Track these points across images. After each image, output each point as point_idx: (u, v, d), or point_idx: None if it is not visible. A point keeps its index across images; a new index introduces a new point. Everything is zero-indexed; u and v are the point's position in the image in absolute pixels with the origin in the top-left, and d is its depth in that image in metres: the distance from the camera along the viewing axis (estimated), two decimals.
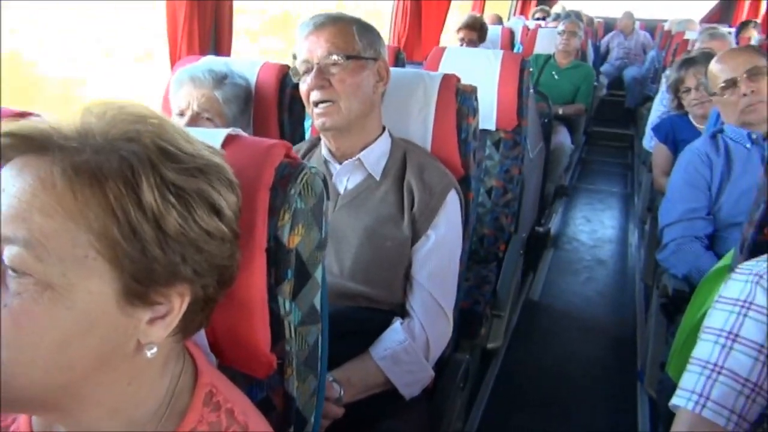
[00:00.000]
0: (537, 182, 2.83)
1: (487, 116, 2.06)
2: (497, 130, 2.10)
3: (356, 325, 1.26)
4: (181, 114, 1.43)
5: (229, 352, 0.73)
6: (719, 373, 1.03)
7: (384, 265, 1.27)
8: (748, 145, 1.78)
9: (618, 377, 2.35)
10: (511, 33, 4.39)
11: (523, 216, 2.31)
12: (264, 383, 0.76)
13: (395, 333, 1.24)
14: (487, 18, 4.46)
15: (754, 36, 4.78)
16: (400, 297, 1.29)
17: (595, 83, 4.84)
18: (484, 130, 2.10)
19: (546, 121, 3.10)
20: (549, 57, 4.15)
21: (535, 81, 4.00)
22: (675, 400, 1.06)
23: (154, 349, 0.57)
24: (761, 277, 1.04)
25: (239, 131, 0.76)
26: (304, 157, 1.39)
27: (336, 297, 1.27)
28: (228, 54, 1.97)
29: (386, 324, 1.26)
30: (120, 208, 0.51)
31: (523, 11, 6.97)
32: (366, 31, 1.28)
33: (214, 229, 0.57)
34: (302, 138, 1.62)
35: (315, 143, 1.41)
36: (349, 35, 1.24)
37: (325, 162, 1.35)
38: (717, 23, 6.01)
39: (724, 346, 1.04)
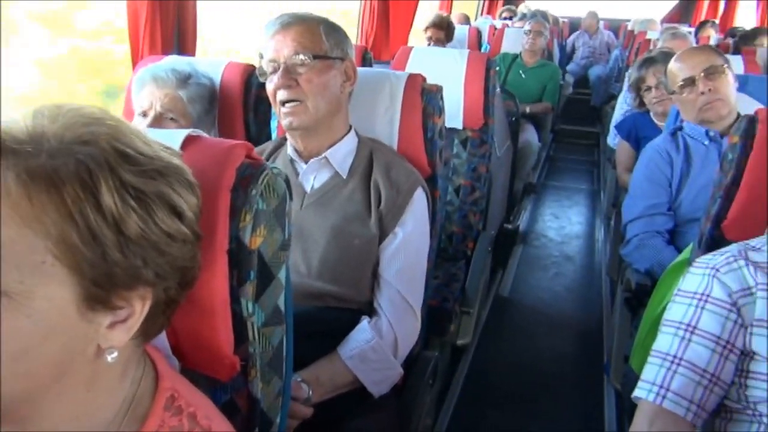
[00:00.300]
0: (505, 180, 2.87)
1: (454, 115, 2.08)
2: (464, 128, 2.12)
3: (324, 324, 1.26)
4: (144, 114, 1.41)
5: (192, 355, 0.72)
6: (678, 364, 1.05)
7: (351, 264, 1.27)
8: (706, 142, 1.83)
9: (586, 371, 2.39)
10: (478, 32, 4.43)
11: (491, 213, 2.34)
12: (228, 386, 0.76)
13: (363, 332, 1.24)
14: (454, 17, 4.49)
15: (713, 35, 4.92)
16: (368, 295, 1.30)
17: (562, 82, 4.92)
18: (452, 129, 2.12)
19: (513, 119, 3.14)
20: (516, 56, 4.20)
21: (502, 80, 4.05)
22: (637, 392, 1.09)
23: (115, 354, 0.57)
24: (718, 270, 1.08)
25: (199, 132, 0.75)
26: (270, 156, 1.38)
27: (303, 297, 1.27)
28: (192, 54, 1.95)
29: (354, 323, 1.26)
30: (79, 213, 0.51)
31: (490, 11, 7.05)
32: (333, 30, 1.28)
33: (175, 231, 0.57)
34: (268, 138, 1.61)
35: (281, 143, 1.40)
36: (316, 35, 1.24)
37: (291, 161, 1.34)
38: (677, 23, 6.17)
39: (683, 338, 1.07)
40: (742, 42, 3.99)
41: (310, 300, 1.27)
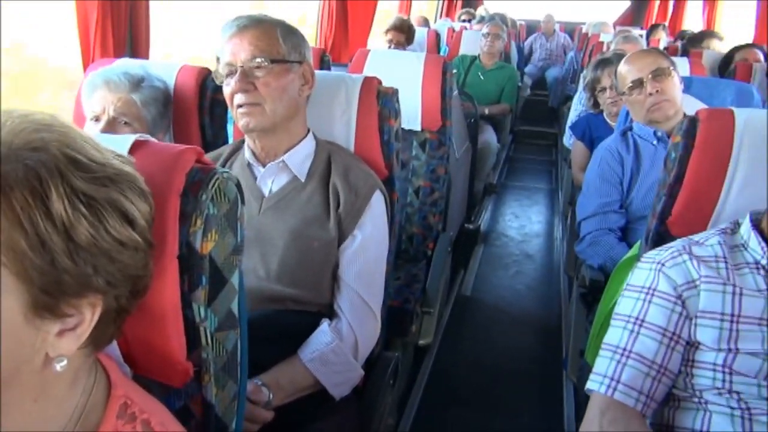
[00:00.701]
0: (464, 181, 2.90)
1: (413, 117, 2.10)
2: (423, 130, 2.14)
3: (284, 327, 1.26)
4: (96, 119, 1.38)
5: (144, 362, 0.72)
6: (628, 357, 1.09)
7: (311, 267, 1.27)
8: (655, 142, 1.89)
9: (546, 366, 2.45)
10: (437, 35, 4.48)
11: (451, 214, 2.37)
12: (181, 391, 0.75)
13: (323, 334, 1.24)
14: (413, 20, 4.53)
15: (663, 38, 5.09)
16: (328, 298, 1.30)
17: (520, 84, 5.01)
18: (410, 131, 2.14)
19: (472, 121, 3.18)
20: (474, 58, 4.26)
21: (461, 82, 4.10)
22: (589, 385, 1.12)
23: (64, 362, 0.56)
24: (663, 264, 1.12)
25: (147, 137, 0.74)
26: (227, 160, 1.37)
27: (263, 300, 1.26)
28: (146, 56, 1.92)
29: (315, 326, 1.26)
30: (28, 220, 0.50)
31: (449, 13, 7.13)
32: (290, 34, 1.28)
33: (127, 239, 0.57)
34: (225, 141, 1.60)
35: (238, 146, 1.39)
36: (273, 38, 1.24)
37: (249, 165, 1.33)
38: (630, 26, 6.36)
39: (632, 331, 1.11)
40: (690, 44, 4.14)
41: (270, 303, 1.27)
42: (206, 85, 1.54)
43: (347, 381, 1.26)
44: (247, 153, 1.33)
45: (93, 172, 0.54)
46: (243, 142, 1.36)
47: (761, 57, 3.07)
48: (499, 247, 3.72)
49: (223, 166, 1.35)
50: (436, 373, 2.35)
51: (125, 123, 1.38)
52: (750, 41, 3.61)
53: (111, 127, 1.36)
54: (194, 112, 1.55)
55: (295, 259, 1.26)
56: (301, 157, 1.31)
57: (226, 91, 1.23)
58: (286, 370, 1.20)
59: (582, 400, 1.16)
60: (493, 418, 2.13)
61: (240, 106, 1.21)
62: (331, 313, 1.29)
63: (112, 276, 0.56)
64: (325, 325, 1.25)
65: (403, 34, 3.65)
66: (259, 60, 1.20)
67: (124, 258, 0.56)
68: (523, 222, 4.16)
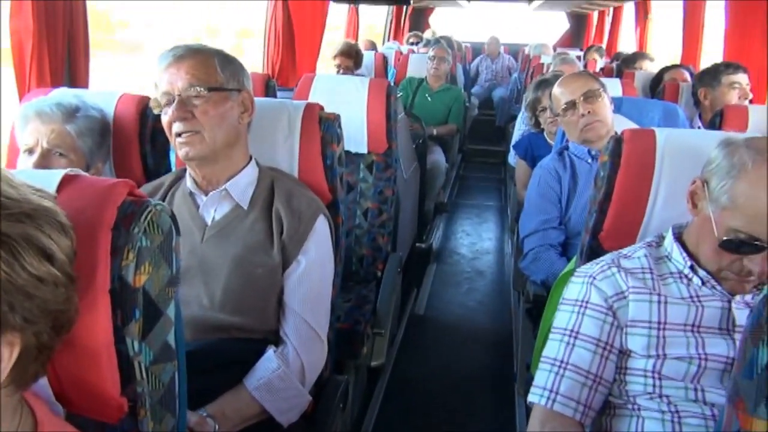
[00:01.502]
0: (413, 201, 2.95)
1: (359, 140, 2.14)
2: (369, 153, 2.17)
3: (229, 356, 1.25)
4: (30, 152, 1.35)
5: (77, 400, 0.71)
6: (565, 368, 1.14)
7: (255, 294, 1.27)
8: (589, 161, 1.98)
9: (498, 381, 2.49)
10: (384, 58, 4.55)
11: (400, 235, 2.40)
12: (117, 427, 0.74)
13: (269, 361, 1.24)
14: (360, 44, 4.60)
15: (599, 59, 5.32)
16: (274, 324, 1.30)
17: (468, 104, 5.14)
18: (357, 154, 2.17)
19: (421, 141, 3.25)
20: (422, 80, 4.36)
21: (409, 103, 4.18)
22: (530, 397, 1.16)
23: None
24: (594, 278, 1.18)
25: (78, 171, 0.74)
26: (168, 189, 1.37)
27: (207, 330, 1.25)
28: (85, 85, 1.89)
29: (260, 353, 1.26)
30: None
31: (396, 37, 7.27)
32: (228, 63, 1.29)
33: (45, 275, 0.56)
34: (167, 170, 1.58)
35: (180, 175, 1.39)
36: (211, 67, 1.25)
37: (191, 194, 1.33)
38: (569, 47, 6.63)
39: (568, 343, 1.15)
40: (624, 65, 4.34)
41: (214, 332, 1.26)
42: (147, 113, 1.53)
43: (295, 407, 1.26)
44: (188, 182, 1.33)
45: (7, 209, 0.55)
46: (185, 170, 1.36)
47: (688, 77, 3.25)
48: (451, 264, 3.77)
49: (165, 196, 1.35)
50: (390, 394, 2.35)
51: (60, 155, 1.35)
52: (678, 61, 3.82)
53: (45, 159, 1.34)
54: (135, 141, 1.54)
55: (239, 286, 1.26)
56: (243, 185, 1.32)
57: (164, 119, 1.23)
58: (232, 399, 1.19)
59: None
60: None
61: (179, 134, 1.21)
62: (277, 340, 1.29)
63: (29, 312, 0.55)
64: (270, 351, 1.25)
65: (350, 59, 3.70)
66: (197, 89, 1.21)
67: (43, 294, 0.56)
68: (474, 239, 4.24)
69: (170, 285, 0.75)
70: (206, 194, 1.31)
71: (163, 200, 1.34)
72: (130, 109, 1.53)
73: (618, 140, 1.32)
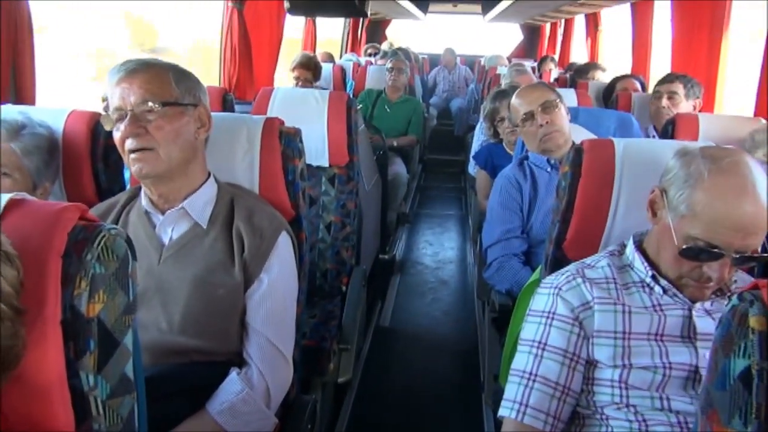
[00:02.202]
0: (376, 213, 2.94)
1: (320, 154, 2.11)
2: (331, 166, 2.15)
3: (191, 381, 1.20)
4: None
5: None
6: (534, 380, 1.13)
7: (217, 315, 1.23)
8: (549, 170, 2.01)
9: (465, 391, 2.48)
10: (343, 70, 4.55)
11: (364, 247, 2.38)
12: None
13: (232, 384, 1.20)
14: (318, 56, 4.58)
15: (553, 69, 5.45)
16: (237, 346, 1.26)
17: (426, 115, 5.18)
18: (318, 167, 2.15)
19: (381, 153, 3.25)
20: (380, 92, 4.36)
21: (368, 115, 4.18)
22: (501, 411, 1.15)
23: None
24: (560, 289, 1.18)
25: (24, 195, 0.70)
26: (123, 209, 1.31)
27: (166, 354, 1.20)
28: (32, 102, 1.81)
29: (224, 376, 1.21)
30: None
31: (354, 48, 7.28)
32: (183, 77, 1.25)
33: None
34: (122, 189, 1.53)
35: (135, 194, 1.34)
36: (165, 82, 1.20)
37: (147, 213, 1.28)
38: (523, 58, 6.77)
39: (536, 355, 1.15)
40: (577, 75, 4.46)
41: (174, 357, 1.21)
42: (98, 130, 1.47)
43: (260, 430, 1.22)
44: (144, 200, 1.28)
45: None
46: (140, 188, 1.31)
47: (638, 86, 3.36)
48: (414, 275, 3.77)
49: (119, 215, 1.29)
50: (358, 409, 2.32)
51: (5, 174, 1.28)
52: (628, 71, 3.94)
53: None
54: (86, 158, 1.48)
55: (200, 308, 1.21)
56: (201, 203, 1.27)
57: (116, 136, 1.18)
58: (194, 425, 1.15)
59: (500, 422, 1.19)
60: None
61: (132, 151, 1.16)
62: (240, 362, 1.25)
63: None
64: (233, 374, 1.21)
65: (309, 71, 3.68)
66: (150, 103, 1.16)
67: None
68: (436, 249, 4.25)
69: (127, 313, 0.71)
70: (163, 213, 1.27)
71: (118, 220, 1.29)
72: (80, 125, 1.47)
73: (578, 150, 1.34)
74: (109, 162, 1.51)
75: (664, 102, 2.59)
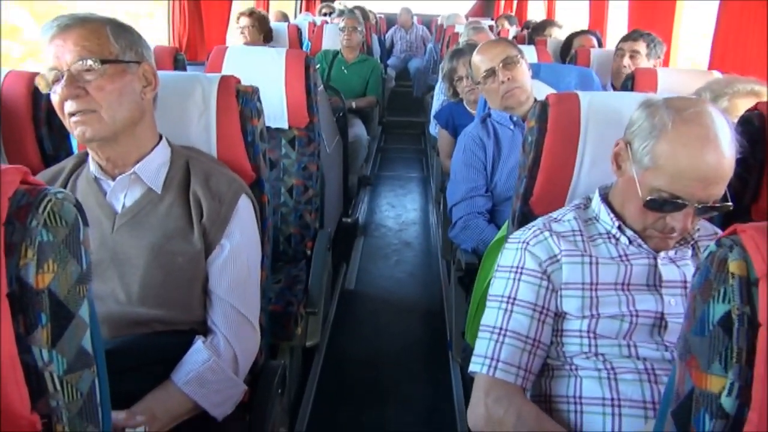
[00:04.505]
0: (338, 175, 2.89)
1: (278, 115, 2.04)
2: (290, 128, 2.09)
3: (154, 352, 1.16)
4: None
5: None
6: (504, 335, 1.14)
7: (178, 284, 1.18)
8: (512, 127, 2.00)
9: (433, 350, 2.51)
10: (299, 30, 4.40)
11: (327, 210, 2.34)
12: None
13: (198, 353, 1.16)
14: (272, 16, 4.41)
15: (511, 28, 5.42)
16: (200, 314, 1.22)
17: (384, 76, 5.09)
18: (278, 129, 2.08)
19: (341, 115, 3.18)
20: (337, 53, 4.25)
21: (326, 76, 4.08)
22: (472, 367, 1.15)
23: None
24: (528, 243, 1.18)
25: None
26: (70, 175, 1.23)
27: (126, 326, 1.16)
28: None
29: (188, 346, 1.18)
30: None
31: (308, 8, 7.06)
32: (123, 31, 1.15)
33: None
34: (68, 154, 1.44)
35: (82, 159, 1.26)
36: (103, 37, 1.11)
37: (96, 179, 1.21)
38: (480, 17, 6.70)
39: (506, 310, 1.16)
40: (534, 33, 4.44)
41: (135, 328, 1.16)
42: (40, 92, 1.37)
43: (229, 399, 1.19)
44: (92, 166, 1.20)
45: None
46: (87, 154, 1.23)
47: (595, 42, 3.36)
48: (378, 238, 3.76)
49: (66, 182, 1.22)
50: (326, 372, 2.32)
51: None
52: (585, 27, 3.94)
53: None
54: (28, 123, 1.39)
55: (159, 277, 1.16)
56: (154, 167, 1.21)
57: (54, 99, 1.08)
58: (160, 397, 1.11)
59: (468, 379, 1.20)
60: (386, 410, 2.15)
61: (72, 114, 1.08)
62: (204, 331, 1.21)
63: None
64: (199, 342, 1.17)
65: (252, 18, 3.49)
66: (88, 62, 1.07)
67: None
68: (399, 211, 4.24)
69: (81, 283, 0.66)
70: (113, 179, 1.19)
71: (65, 187, 1.21)
72: (19, 88, 1.38)
73: (544, 105, 1.33)
74: (53, 126, 1.42)
75: (626, 61, 2.60)
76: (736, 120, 1.29)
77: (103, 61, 1.08)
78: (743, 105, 1.52)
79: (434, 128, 3.28)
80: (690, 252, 1.15)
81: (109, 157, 1.17)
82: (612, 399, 1.06)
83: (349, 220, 3.39)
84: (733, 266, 0.54)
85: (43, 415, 0.63)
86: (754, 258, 0.54)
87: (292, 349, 1.95)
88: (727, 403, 0.55)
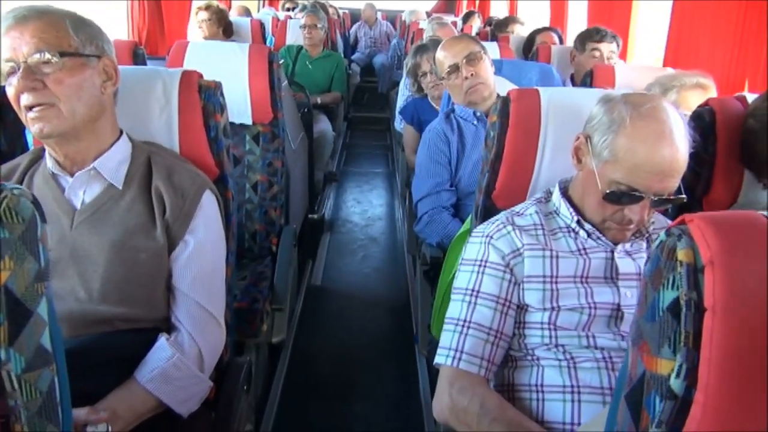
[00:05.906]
0: (303, 171, 2.88)
1: (242, 111, 2.03)
2: (254, 124, 2.07)
3: (116, 351, 1.14)
4: None
5: None
6: (468, 327, 1.16)
7: (140, 281, 1.17)
8: (475, 122, 2.03)
9: (399, 344, 2.53)
10: (262, 25, 4.36)
11: (292, 206, 2.33)
12: None
13: (162, 350, 1.15)
14: (234, 11, 4.35)
15: (477, 24, 5.47)
16: (164, 311, 1.21)
17: (349, 71, 5.08)
18: (242, 125, 2.06)
19: (306, 110, 3.17)
20: (301, 48, 4.22)
21: (290, 72, 4.04)
22: (437, 359, 1.17)
23: None
24: (491, 237, 1.20)
25: None
26: (26, 172, 1.20)
27: (87, 324, 1.13)
28: None
29: (151, 344, 1.16)
30: None
31: (272, 3, 6.99)
32: (83, 25, 1.13)
33: None
34: (24, 150, 1.40)
35: (38, 155, 1.22)
36: (62, 30, 1.08)
37: (54, 176, 1.18)
38: (443, 13, 6.74)
39: (469, 303, 1.18)
40: (497, 29, 4.49)
41: (97, 326, 1.14)
42: None
43: (194, 395, 1.18)
44: (49, 162, 1.17)
45: None
46: (44, 149, 1.20)
47: (556, 39, 3.43)
48: (344, 233, 3.76)
49: (22, 179, 1.18)
50: (293, 369, 2.32)
51: None
52: (547, 24, 4.01)
53: None
54: None
55: (121, 274, 1.14)
56: (114, 162, 1.19)
57: (10, 92, 1.05)
58: (123, 395, 1.09)
59: (435, 371, 1.22)
60: (354, 404, 2.16)
61: (29, 108, 1.05)
62: (168, 328, 1.20)
63: None
64: (162, 340, 1.16)
65: (208, 11, 3.44)
66: (46, 54, 1.04)
67: None
68: (365, 207, 4.25)
69: (39, 280, 0.65)
70: (71, 175, 1.17)
71: (20, 184, 1.18)
72: None
73: (506, 100, 1.35)
74: (7, 120, 1.37)
75: (594, 62, 2.66)
76: (687, 112, 1.34)
77: (62, 54, 1.06)
78: (691, 97, 1.58)
79: (399, 124, 3.30)
80: (645, 245, 1.19)
81: (67, 154, 1.15)
82: (572, 386, 1.09)
83: (315, 216, 3.38)
84: (681, 254, 0.57)
85: (0, 415, 0.62)
86: (700, 246, 0.57)
87: (258, 346, 1.94)
88: (676, 384, 0.58)
